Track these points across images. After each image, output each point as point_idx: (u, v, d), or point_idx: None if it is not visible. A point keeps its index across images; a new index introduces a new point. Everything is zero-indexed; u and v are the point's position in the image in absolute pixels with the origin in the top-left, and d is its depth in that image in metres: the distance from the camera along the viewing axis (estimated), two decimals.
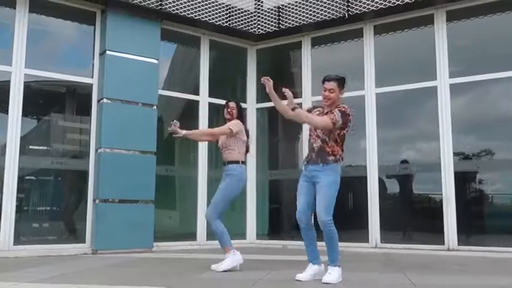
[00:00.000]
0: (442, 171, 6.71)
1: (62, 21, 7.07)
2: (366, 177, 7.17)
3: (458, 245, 6.46)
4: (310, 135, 4.32)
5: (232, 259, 4.77)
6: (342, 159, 4.20)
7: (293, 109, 4.15)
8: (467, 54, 7.12)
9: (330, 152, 4.15)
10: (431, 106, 7.01)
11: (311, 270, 4.22)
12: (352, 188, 7.83)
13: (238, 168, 4.95)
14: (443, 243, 6.53)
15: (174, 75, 8.51)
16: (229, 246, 4.83)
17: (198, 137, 5.73)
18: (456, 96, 6.89)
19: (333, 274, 4.08)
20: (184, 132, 5.02)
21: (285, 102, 4.32)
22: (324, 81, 4.29)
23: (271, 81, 4.34)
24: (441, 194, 6.72)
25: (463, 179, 6.94)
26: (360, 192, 7.26)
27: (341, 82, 4.28)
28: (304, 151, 7.63)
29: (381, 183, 7.25)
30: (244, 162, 5.04)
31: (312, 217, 4.27)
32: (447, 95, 6.82)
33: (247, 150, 5.15)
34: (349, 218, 7.81)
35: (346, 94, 7.50)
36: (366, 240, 7.00)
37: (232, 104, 5.22)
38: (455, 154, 6.78)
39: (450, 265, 5.39)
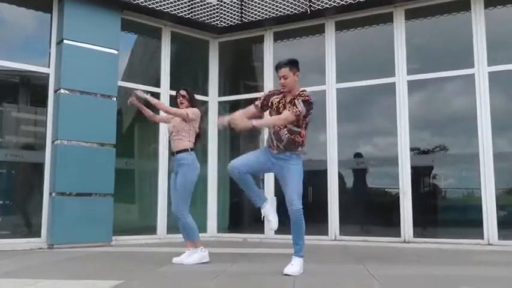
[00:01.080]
0: (399, 166, 6.89)
1: (16, 7, 6.81)
2: (326, 171, 7.28)
3: (414, 237, 6.65)
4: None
5: (201, 255, 4.77)
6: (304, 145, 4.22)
7: (253, 126, 4.01)
8: (425, 52, 7.32)
9: (298, 142, 4.14)
10: (389, 102, 7.17)
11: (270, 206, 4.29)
12: (312, 181, 7.91)
13: (188, 156, 4.83)
14: (399, 236, 6.72)
15: (134, 66, 8.36)
16: (200, 242, 4.82)
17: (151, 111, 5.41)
18: (413, 92, 7.08)
19: (295, 265, 4.11)
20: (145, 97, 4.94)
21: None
22: (276, 69, 4.20)
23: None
24: (398, 188, 6.90)
25: (418, 174, 7.16)
26: (320, 185, 7.36)
27: (293, 65, 4.15)
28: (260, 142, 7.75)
29: (341, 177, 7.38)
30: (193, 149, 4.91)
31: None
32: (405, 92, 6.99)
33: (196, 143, 5.01)
34: (309, 211, 7.88)
35: (308, 89, 7.68)
36: (326, 233, 7.11)
37: (183, 92, 5.11)
38: (411, 149, 6.97)
39: (407, 256, 5.55)
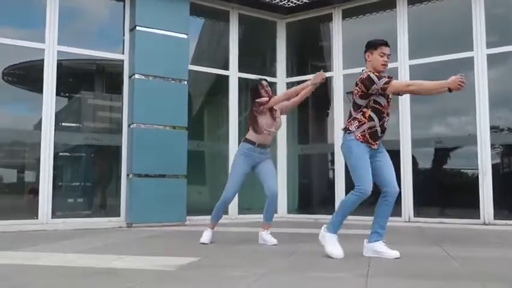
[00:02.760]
0: (478, 145, 6.55)
1: None
2: (399, 151, 7.05)
3: (495, 219, 6.33)
4: (382, 113, 3.88)
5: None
6: None
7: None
8: (504, 24, 6.86)
9: None
10: (467, 78, 6.79)
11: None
12: None
13: None
14: (479, 218, 6.41)
15: (203, 50, 8.49)
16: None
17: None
18: (493, 67, 6.67)
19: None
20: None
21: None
22: (383, 45, 3.94)
23: None
24: (476, 169, 6.57)
25: (499, 153, 6.78)
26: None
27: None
28: (335, 125, 7.62)
29: (414, 157, 7.13)
30: None
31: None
32: (484, 66, 6.60)
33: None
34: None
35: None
36: (399, 214, 6.92)
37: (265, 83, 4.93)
38: (491, 128, 6.60)
39: (487, 238, 5.29)
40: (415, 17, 7.21)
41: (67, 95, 7.63)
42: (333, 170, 7.78)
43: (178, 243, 5.09)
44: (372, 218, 4.04)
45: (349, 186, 7.31)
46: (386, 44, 3.97)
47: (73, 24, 7.01)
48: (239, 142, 7.69)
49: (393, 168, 3.96)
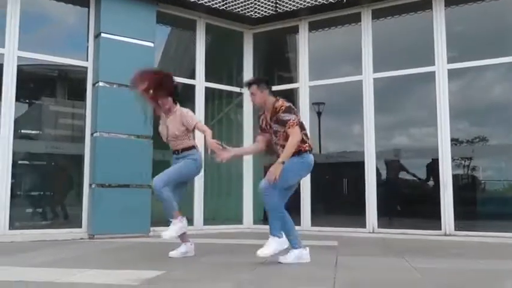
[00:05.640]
0: (440, 157, 6.72)
1: (56, 3, 6.93)
2: (363, 162, 7.16)
3: (455, 230, 6.49)
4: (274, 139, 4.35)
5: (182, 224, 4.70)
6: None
7: (282, 163, 4.14)
8: (464, 40, 7.09)
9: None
10: (428, 92, 7.00)
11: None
12: (349, 173, 7.85)
13: (195, 152, 4.78)
14: (440, 229, 6.56)
15: (169, 58, 8.41)
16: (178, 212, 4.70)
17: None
18: (453, 82, 6.88)
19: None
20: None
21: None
22: (246, 85, 4.47)
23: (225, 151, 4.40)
24: (438, 180, 6.73)
25: (459, 165, 6.98)
26: (357, 178, 7.26)
27: (260, 83, 4.34)
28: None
29: (378, 169, 7.25)
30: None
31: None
32: (445, 80, 6.79)
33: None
34: (346, 203, 7.85)
35: (344, 79, 7.58)
36: (363, 225, 7.02)
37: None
38: (452, 140, 6.79)
39: (448, 249, 5.41)
40: (379, 31, 7.37)
41: (27, 101, 7.40)
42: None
43: (142, 255, 4.99)
44: None
45: (314, 196, 7.42)
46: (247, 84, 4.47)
47: (35, 30, 6.82)
48: (205, 152, 7.70)
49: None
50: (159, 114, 4.92)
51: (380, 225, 6.96)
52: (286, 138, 4.16)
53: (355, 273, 3.82)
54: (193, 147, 4.77)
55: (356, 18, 7.50)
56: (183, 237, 4.76)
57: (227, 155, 4.38)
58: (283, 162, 4.11)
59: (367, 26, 7.38)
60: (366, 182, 7.07)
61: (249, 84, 4.38)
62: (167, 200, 4.55)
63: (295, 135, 4.14)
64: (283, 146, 4.17)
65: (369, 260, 4.62)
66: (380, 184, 7.15)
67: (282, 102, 4.24)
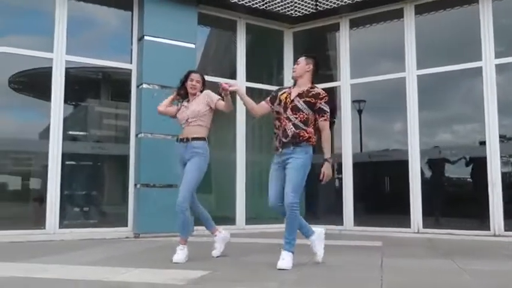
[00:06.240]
0: (487, 155, 6.50)
1: (100, 7, 7.12)
2: (407, 161, 7.01)
3: (505, 230, 6.27)
4: (280, 119, 4.21)
5: (226, 236, 4.87)
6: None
7: (327, 160, 4.11)
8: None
9: (303, 137, 4.11)
10: (474, 87, 6.79)
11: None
12: (393, 172, 7.71)
13: (205, 145, 4.67)
14: (488, 229, 6.35)
15: (209, 59, 8.49)
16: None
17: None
18: (501, 77, 6.64)
19: (286, 260, 4.00)
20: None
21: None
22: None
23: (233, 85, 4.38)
24: (486, 179, 6.52)
25: (507, 163, 6.74)
26: (401, 176, 7.12)
27: (309, 57, 4.33)
28: (342, 135, 7.58)
29: (423, 167, 7.09)
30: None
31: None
32: (493, 76, 6.57)
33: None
34: (389, 202, 7.72)
35: (386, 77, 7.44)
36: (408, 225, 6.87)
37: (197, 76, 4.82)
38: (500, 137, 6.57)
39: (498, 250, 5.24)
40: (422, 26, 7.19)
41: (73, 103, 7.64)
42: (339, 179, 7.74)
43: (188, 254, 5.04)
44: None
45: (357, 195, 7.33)
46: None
47: (81, 34, 7.02)
48: (247, 150, 7.75)
49: (291, 177, 4.05)
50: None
51: (425, 225, 6.79)
52: (304, 121, 4.10)
53: (403, 275, 3.75)
54: (204, 139, 4.69)
55: (398, 14, 7.35)
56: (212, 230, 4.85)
57: (234, 87, 4.35)
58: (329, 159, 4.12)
59: (410, 22, 7.22)
60: (410, 181, 6.92)
61: (300, 57, 4.36)
62: (186, 221, 4.61)
63: (327, 130, 4.16)
64: (294, 125, 4.08)
65: (415, 262, 4.52)
66: (425, 183, 6.98)
67: (324, 92, 4.21)
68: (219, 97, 4.63)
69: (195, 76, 4.81)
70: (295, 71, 4.30)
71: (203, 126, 4.72)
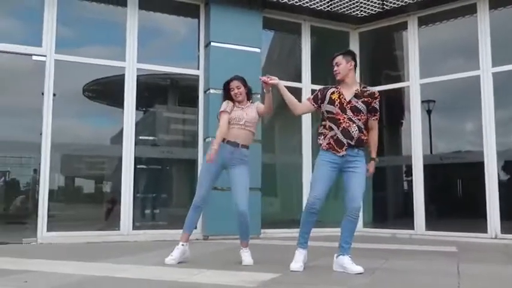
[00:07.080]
0: None
1: (168, 16, 7.37)
2: (482, 162, 6.67)
3: None
4: (338, 120, 4.00)
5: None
6: None
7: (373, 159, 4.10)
8: None
9: (364, 140, 4.05)
10: None
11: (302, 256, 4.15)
12: (466, 174, 7.39)
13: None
14: None
15: (274, 63, 8.53)
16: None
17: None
18: None
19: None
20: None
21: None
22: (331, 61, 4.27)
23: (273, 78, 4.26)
24: None
25: None
26: (475, 178, 6.80)
27: (347, 54, 4.19)
28: (412, 136, 7.36)
29: (499, 169, 6.73)
30: None
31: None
32: None
33: None
34: (463, 206, 7.40)
35: (459, 75, 7.16)
36: (484, 230, 6.54)
37: (239, 84, 4.70)
38: None
39: None
40: (497, 21, 6.85)
41: (144, 109, 7.93)
42: (409, 182, 7.52)
43: (255, 257, 5.08)
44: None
45: (428, 198, 7.08)
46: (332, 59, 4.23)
47: (151, 42, 7.29)
48: (312, 153, 7.70)
49: (361, 181, 3.97)
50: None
51: (503, 231, 6.43)
52: (364, 123, 4.03)
53: (481, 283, 3.58)
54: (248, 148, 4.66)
55: (471, 10, 7.03)
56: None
57: (274, 81, 4.26)
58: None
59: (484, 18, 6.89)
60: (487, 183, 6.58)
61: (336, 55, 4.18)
62: (246, 225, 4.68)
63: (377, 129, 4.12)
64: (358, 127, 3.96)
65: (494, 269, 4.30)
66: (502, 185, 6.63)
67: (377, 91, 4.14)
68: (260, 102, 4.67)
69: (233, 84, 4.73)
70: (338, 72, 4.13)
71: (254, 134, 4.73)
